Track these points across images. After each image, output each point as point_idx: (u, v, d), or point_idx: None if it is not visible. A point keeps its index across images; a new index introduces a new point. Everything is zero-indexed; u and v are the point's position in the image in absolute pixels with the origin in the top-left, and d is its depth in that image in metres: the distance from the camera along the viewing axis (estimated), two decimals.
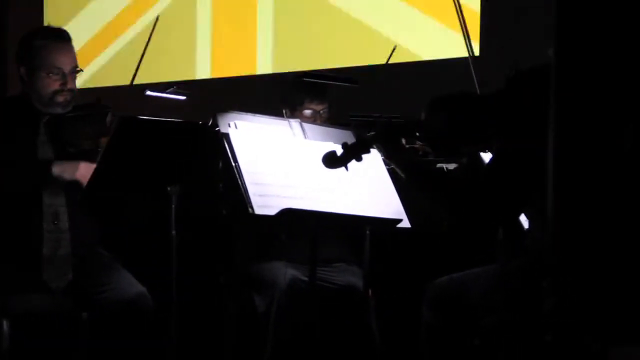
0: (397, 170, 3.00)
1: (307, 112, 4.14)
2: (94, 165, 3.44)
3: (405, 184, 3.06)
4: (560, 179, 1.75)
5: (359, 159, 2.98)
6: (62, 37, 3.70)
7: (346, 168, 3.00)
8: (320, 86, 4.15)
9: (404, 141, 3.05)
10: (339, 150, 2.98)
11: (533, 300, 2.66)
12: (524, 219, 3.22)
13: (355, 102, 4.33)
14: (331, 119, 4.17)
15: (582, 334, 1.74)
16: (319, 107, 4.16)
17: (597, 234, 1.75)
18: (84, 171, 3.49)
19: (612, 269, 1.76)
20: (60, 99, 3.64)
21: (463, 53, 4.28)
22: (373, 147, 3.01)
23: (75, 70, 3.69)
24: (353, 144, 2.97)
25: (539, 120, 2.14)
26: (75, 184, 3.52)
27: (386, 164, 3.37)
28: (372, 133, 2.99)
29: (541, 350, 2.67)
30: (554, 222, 1.75)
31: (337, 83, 4.13)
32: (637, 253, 1.76)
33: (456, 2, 4.20)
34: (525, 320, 2.78)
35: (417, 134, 2.97)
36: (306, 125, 3.58)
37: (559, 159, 1.74)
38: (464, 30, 4.22)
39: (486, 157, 3.22)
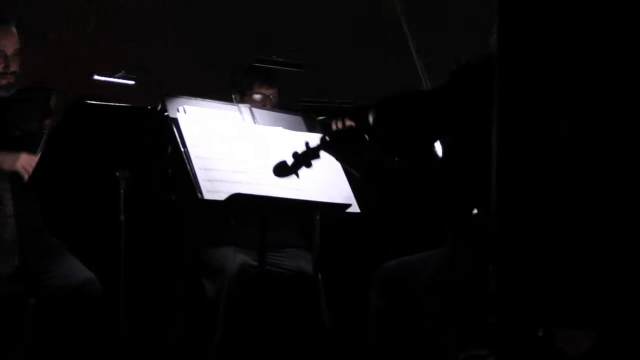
0: (350, 170, 3.03)
1: (257, 96, 4.15)
2: (35, 158, 3.40)
3: (359, 181, 3.08)
4: (503, 168, 1.77)
5: (309, 166, 3.01)
6: (3, 20, 3.66)
7: (297, 175, 3.02)
8: (269, 71, 4.15)
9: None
10: (289, 160, 3.00)
11: (479, 284, 2.69)
12: None
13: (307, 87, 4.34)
14: (281, 104, 4.17)
15: (526, 317, 1.77)
16: (268, 92, 4.17)
17: (539, 221, 1.78)
18: (25, 162, 3.45)
19: (554, 255, 1.78)
20: (3, 82, 3.60)
21: None
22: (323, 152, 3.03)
23: (18, 53, 3.65)
24: (303, 152, 3.00)
25: (483, 111, 2.17)
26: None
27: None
28: (321, 140, 3.00)
29: (486, 333, 2.70)
30: (498, 209, 1.78)
31: (286, 68, 4.13)
32: (579, 241, 1.79)
33: None
34: (472, 304, 2.81)
35: (367, 138, 2.98)
36: (255, 110, 3.58)
37: (502, 149, 1.77)
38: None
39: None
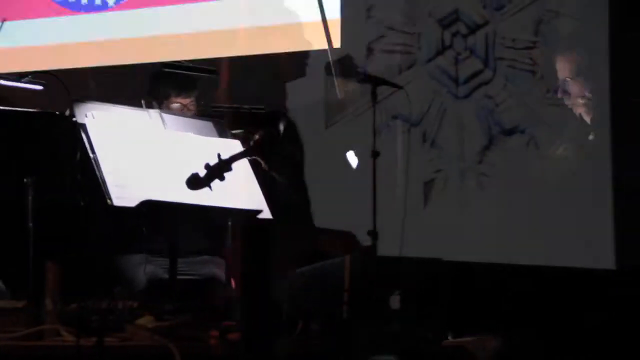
0: (275, 174, 3.05)
1: (175, 105, 4.12)
2: None
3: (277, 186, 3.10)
4: None
5: (222, 179, 3.01)
6: None
7: (210, 188, 3.02)
8: (185, 79, 4.12)
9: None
10: (202, 172, 3.00)
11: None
12: None
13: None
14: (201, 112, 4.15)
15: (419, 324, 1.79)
16: (185, 101, 4.14)
17: None
18: None
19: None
20: None
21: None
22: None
23: None
24: (215, 165, 3.01)
25: None
26: None
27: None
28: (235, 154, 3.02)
29: (383, 339, 2.74)
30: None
31: (195, 73, 4.11)
32: None
33: None
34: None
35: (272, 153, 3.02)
36: (165, 116, 3.56)
37: None
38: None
39: None
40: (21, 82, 4.40)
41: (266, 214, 3.43)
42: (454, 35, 4.89)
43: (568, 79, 4.43)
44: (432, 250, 4.44)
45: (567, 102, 4.64)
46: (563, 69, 4.67)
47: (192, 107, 4.14)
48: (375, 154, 3.94)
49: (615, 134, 4.51)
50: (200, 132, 3.56)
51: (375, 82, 4.14)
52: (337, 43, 4.86)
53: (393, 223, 4.09)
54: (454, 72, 4.91)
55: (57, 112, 3.37)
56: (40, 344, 3.11)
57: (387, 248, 3.91)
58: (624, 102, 4.47)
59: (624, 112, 4.48)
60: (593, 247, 4.50)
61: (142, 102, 4.11)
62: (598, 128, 4.58)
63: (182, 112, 4.05)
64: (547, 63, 4.71)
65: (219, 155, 2.98)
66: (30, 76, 4.44)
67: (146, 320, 3.14)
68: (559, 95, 4.49)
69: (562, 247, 4.55)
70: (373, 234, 3.79)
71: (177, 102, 4.12)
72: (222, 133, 3.67)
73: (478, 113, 4.86)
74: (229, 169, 3.02)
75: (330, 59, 4.31)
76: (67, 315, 3.18)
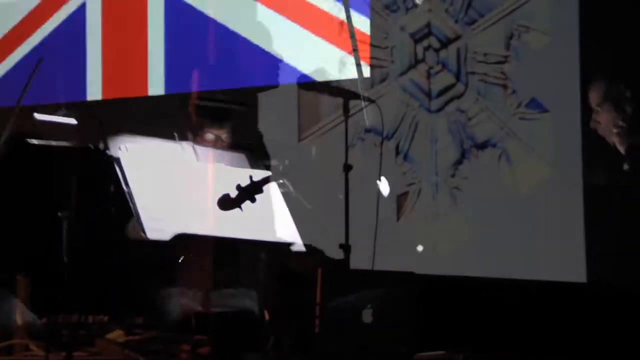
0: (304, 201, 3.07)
1: (209, 136, 4.11)
2: None
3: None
4: None
5: (253, 200, 3.02)
6: None
7: (240, 209, 3.02)
8: (218, 110, 4.13)
9: None
10: (233, 193, 3.01)
11: None
12: None
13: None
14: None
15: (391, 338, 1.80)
16: (219, 132, 4.14)
17: None
18: None
19: None
20: None
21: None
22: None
23: None
24: (247, 186, 3.02)
25: None
26: None
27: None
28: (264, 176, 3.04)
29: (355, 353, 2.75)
30: None
31: (224, 105, 4.13)
32: None
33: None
34: None
35: None
36: (198, 148, 3.56)
37: None
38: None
39: None
40: (56, 115, 4.38)
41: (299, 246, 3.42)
42: (426, 49, 4.91)
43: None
44: (404, 263, 4.45)
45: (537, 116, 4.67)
46: (534, 83, 4.70)
47: (226, 139, 4.14)
48: (348, 167, 3.95)
49: (586, 147, 4.54)
50: (233, 164, 3.59)
51: (347, 95, 4.15)
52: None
53: (365, 236, 4.09)
54: (426, 85, 4.93)
55: (90, 146, 3.37)
56: (10, 358, 3.09)
57: (359, 261, 3.91)
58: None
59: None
60: (565, 261, 4.53)
61: (175, 134, 4.10)
62: (569, 142, 4.61)
63: (214, 144, 4.05)
64: (518, 77, 4.74)
65: (250, 177, 3.00)
66: (64, 109, 4.43)
67: (116, 335, 3.13)
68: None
69: (534, 261, 4.57)
70: (345, 247, 3.79)
71: (211, 134, 4.12)
72: (254, 164, 3.67)
73: (450, 127, 4.88)
74: (260, 190, 3.04)
75: (359, 89, 4.36)
76: (37, 329, 3.17)
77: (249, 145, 3.88)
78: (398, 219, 4.92)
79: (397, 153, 4.97)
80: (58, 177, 3.35)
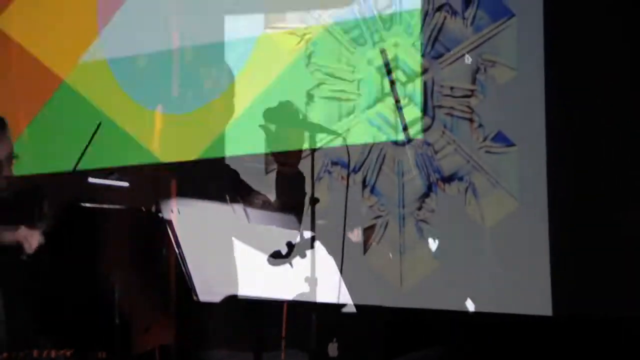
0: None
1: (258, 201, 4.10)
2: (36, 231, 3.33)
3: None
4: None
5: (304, 256, 3.04)
6: None
7: (291, 265, 3.04)
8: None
9: None
10: (284, 249, 3.02)
11: None
12: None
13: None
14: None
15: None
16: (269, 196, 4.13)
17: None
18: (25, 233, 3.40)
19: None
20: None
21: None
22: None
23: (11, 157, 3.59)
24: (297, 242, 3.03)
25: None
26: None
27: None
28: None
29: None
30: None
31: None
32: None
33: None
34: None
35: None
36: (249, 210, 3.55)
37: None
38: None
39: None
40: (109, 179, 4.35)
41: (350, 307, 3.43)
42: (393, 82, 4.94)
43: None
44: (371, 297, 4.44)
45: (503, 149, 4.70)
46: (500, 117, 4.73)
47: (276, 203, 4.13)
48: (315, 201, 3.94)
49: (551, 180, 4.57)
50: (284, 225, 3.59)
51: (314, 129, 4.16)
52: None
53: (332, 270, 4.07)
54: (393, 119, 4.95)
55: (143, 208, 3.38)
56: None
57: (325, 295, 3.89)
58: (559, 150, 4.53)
59: (559, 159, 4.54)
60: (530, 294, 4.54)
61: (227, 196, 4.08)
62: (535, 175, 4.63)
63: (265, 206, 4.04)
64: (485, 111, 4.77)
65: (301, 234, 3.02)
66: (116, 173, 4.40)
67: None
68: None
69: (500, 293, 4.58)
70: (311, 280, 3.77)
71: (260, 199, 4.11)
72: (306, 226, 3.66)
73: (417, 160, 4.90)
74: (311, 246, 3.05)
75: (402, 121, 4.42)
76: None
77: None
78: (365, 252, 4.92)
79: (364, 186, 4.97)
80: (110, 240, 3.38)
